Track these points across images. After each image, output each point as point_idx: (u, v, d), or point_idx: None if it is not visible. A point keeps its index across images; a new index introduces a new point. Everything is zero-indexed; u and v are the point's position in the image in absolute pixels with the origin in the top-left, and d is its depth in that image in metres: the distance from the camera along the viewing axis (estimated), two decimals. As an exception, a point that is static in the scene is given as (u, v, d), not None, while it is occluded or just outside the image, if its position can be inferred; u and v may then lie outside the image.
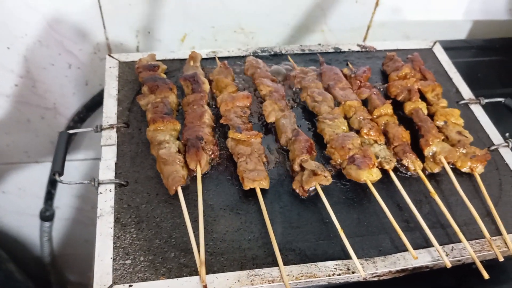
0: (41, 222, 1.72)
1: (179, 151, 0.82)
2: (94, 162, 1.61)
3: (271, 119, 0.89)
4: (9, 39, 1.22)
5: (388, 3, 1.34)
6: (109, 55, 0.99)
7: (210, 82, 0.96)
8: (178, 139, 0.86)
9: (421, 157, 0.88)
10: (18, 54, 1.26)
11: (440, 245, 0.76)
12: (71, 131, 0.86)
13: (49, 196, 1.65)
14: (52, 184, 1.61)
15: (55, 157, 0.80)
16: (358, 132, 0.89)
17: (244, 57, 1.04)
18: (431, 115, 0.95)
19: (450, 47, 1.25)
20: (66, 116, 1.45)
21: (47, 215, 1.69)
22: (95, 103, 1.40)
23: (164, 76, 0.95)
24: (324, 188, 0.81)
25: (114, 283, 0.68)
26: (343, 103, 0.93)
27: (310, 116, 0.95)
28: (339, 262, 0.74)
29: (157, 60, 0.98)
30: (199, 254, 0.70)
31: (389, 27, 1.42)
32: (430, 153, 0.87)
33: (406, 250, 0.76)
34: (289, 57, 1.04)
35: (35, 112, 1.42)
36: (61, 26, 1.22)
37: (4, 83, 1.32)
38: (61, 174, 0.79)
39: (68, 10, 1.18)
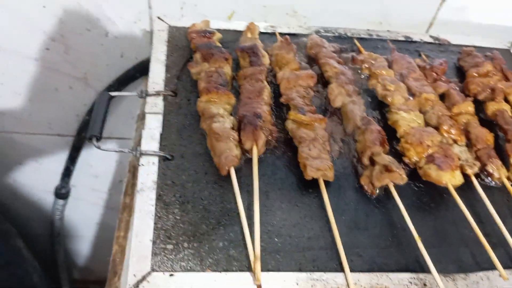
0: (55, 199, 1.64)
1: (233, 128, 0.72)
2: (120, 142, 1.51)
3: (337, 103, 0.79)
4: (46, -2, 1.13)
5: (454, 0, 1.23)
6: (159, 18, 0.89)
7: (269, 57, 0.85)
8: (231, 115, 0.75)
9: (505, 165, 0.77)
10: (54, 14, 1.17)
11: (530, 267, 0.65)
12: (112, 93, 0.76)
13: (67, 172, 1.57)
14: (71, 160, 1.53)
15: (93, 118, 0.70)
16: (436, 128, 0.78)
17: (305, 35, 0.93)
18: (515, 120, 0.83)
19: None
20: (96, 89, 1.36)
21: (62, 193, 1.61)
22: (128, 78, 1.31)
23: (219, 45, 0.84)
24: (396, 188, 0.70)
25: (153, 270, 0.57)
26: (418, 95, 0.82)
27: (378, 106, 0.84)
28: (414, 275, 0.62)
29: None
30: (253, 247, 0.60)
31: (452, 26, 1.30)
32: (517, 161, 0.76)
33: (489, 268, 0.65)
34: (355, 40, 0.94)
35: (64, 81, 1.33)
36: (103, -14, 1.13)
37: (35, 45, 1.23)
38: (99, 138, 0.69)
39: (114, -30, 1.09)
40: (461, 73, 0.94)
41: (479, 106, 0.86)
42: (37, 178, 1.65)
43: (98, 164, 1.59)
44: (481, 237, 0.65)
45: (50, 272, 1.80)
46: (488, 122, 0.84)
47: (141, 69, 1.27)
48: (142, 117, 0.89)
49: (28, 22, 1.18)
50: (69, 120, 1.44)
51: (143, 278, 0.56)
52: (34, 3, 1.14)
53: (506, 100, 0.87)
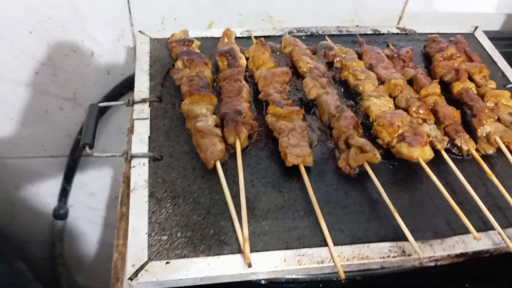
0: (54, 220, 1.67)
1: (216, 126, 0.77)
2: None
3: (312, 95, 0.84)
4: (32, 23, 1.18)
5: (421, -7, 1.30)
6: (140, 32, 0.95)
7: (246, 59, 0.91)
8: (214, 114, 0.80)
9: (473, 138, 0.82)
10: (40, 39, 1.22)
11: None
12: (101, 104, 0.80)
13: (64, 193, 1.60)
14: (67, 180, 1.57)
15: (85, 128, 0.75)
16: (405, 110, 0.83)
17: (279, 36, 0.99)
18: (480, 96, 0.89)
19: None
20: (85, 108, 1.40)
21: (60, 213, 1.64)
22: (116, 93, 1.36)
23: (198, 51, 0.90)
24: (372, 168, 0.75)
25: (150, 259, 0.62)
26: (387, 81, 0.87)
27: (351, 95, 0.89)
28: (393, 243, 0.67)
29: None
30: (241, 230, 0.64)
31: (421, 19, 1.37)
32: (484, 134, 0.81)
33: (464, 233, 0.69)
34: (326, 37, 1.00)
35: (54, 102, 1.38)
36: (86, 10, 1.18)
37: (25, 70, 1.28)
38: (91, 146, 0.74)
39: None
40: (428, 59, 1.00)
41: (446, 87, 0.92)
42: (34, 201, 1.68)
43: (94, 182, 1.63)
44: (454, 205, 0.70)
45: (54, 292, 1.82)
46: (455, 101, 0.90)
47: (128, 85, 1.32)
48: (131, 129, 0.94)
49: (16, 48, 1.23)
50: (62, 141, 1.48)
51: (141, 267, 0.61)
52: (21, 29, 1.19)
53: (471, 79, 0.93)
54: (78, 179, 1.59)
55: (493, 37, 1.30)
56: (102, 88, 1.37)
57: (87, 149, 0.73)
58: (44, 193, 1.63)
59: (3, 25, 1.17)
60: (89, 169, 1.58)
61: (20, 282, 1.50)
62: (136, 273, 0.60)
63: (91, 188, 1.66)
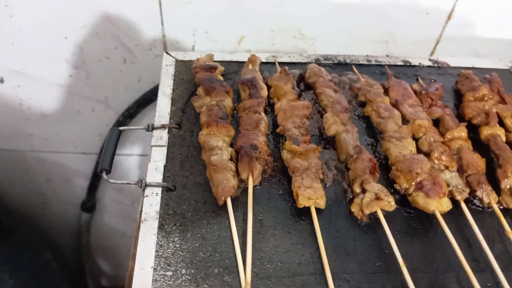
0: (81, 212, 1.73)
1: (231, 159, 0.77)
2: (140, 159, 1.59)
3: (331, 132, 0.83)
4: (67, 30, 1.22)
5: (461, 17, 1.25)
6: (166, 52, 0.95)
7: (269, 87, 0.90)
8: (231, 145, 0.81)
9: (497, 189, 0.79)
10: (75, 45, 1.26)
11: (514, 291, 0.67)
12: (122, 128, 0.82)
13: (92, 188, 1.66)
14: (96, 177, 1.62)
15: (104, 153, 0.77)
16: (427, 155, 0.81)
17: (305, 63, 0.98)
18: (510, 143, 0.85)
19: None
20: (116, 111, 1.44)
21: (88, 206, 1.71)
22: (146, 100, 1.38)
23: (221, 78, 0.90)
24: (386, 214, 0.74)
25: (153, 295, 0.63)
26: (411, 121, 0.85)
27: (373, 132, 0.87)
28: (399, 300, 0.66)
29: (214, 61, 0.94)
30: (245, 274, 0.65)
31: (459, 42, 1.32)
32: (508, 186, 0.78)
33: (474, 293, 0.67)
34: (353, 67, 0.97)
35: (86, 104, 1.42)
36: (119, 20, 1.20)
37: (59, 72, 1.32)
38: (108, 172, 0.76)
39: (128, 4, 1.17)
40: (459, 96, 0.96)
41: (476, 129, 0.89)
42: (64, 193, 1.75)
43: (122, 179, 1.67)
44: (464, 262, 0.68)
45: (78, 281, 1.89)
46: (483, 146, 0.87)
47: (157, 92, 1.34)
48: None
49: (51, 52, 1.27)
50: (93, 139, 1.53)
51: (144, 302, 0.62)
52: (57, 34, 1.23)
53: (503, 123, 0.89)
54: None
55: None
56: (132, 94, 1.40)
57: (104, 175, 0.75)
58: (74, 186, 1.70)
59: (39, 29, 1.21)
60: (117, 166, 1.63)
61: (45, 272, 1.57)
62: (138, 308, 0.62)
63: (119, 185, 1.70)
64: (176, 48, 1.28)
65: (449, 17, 1.25)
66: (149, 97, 1.37)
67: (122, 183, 0.75)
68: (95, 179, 1.64)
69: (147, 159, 0.82)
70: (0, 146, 1.54)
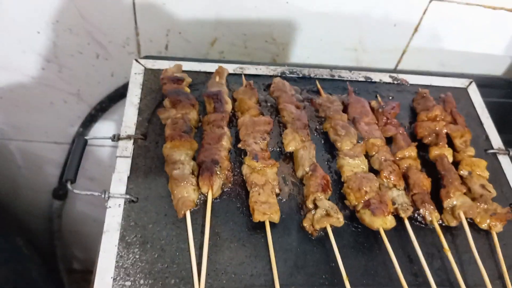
0: (53, 200, 1.75)
1: (192, 172, 0.81)
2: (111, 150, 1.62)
3: (290, 148, 0.87)
4: (40, 24, 1.22)
5: (427, 29, 1.29)
6: (136, 60, 0.97)
7: (234, 100, 0.94)
8: (194, 158, 0.84)
9: (440, 206, 0.85)
10: (48, 39, 1.26)
11: (447, 305, 0.74)
12: (87, 137, 0.85)
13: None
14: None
15: (69, 163, 0.80)
16: (378, 172, 0.86)
17: (271, 76, 1.01)
18: (457, 163, 0.91)
19: (486, 84, 1.21)
20: (89, 103, 1.46)
21: (60, 194, 1.73)
22: (118, 95, 1.40)
23: (188, 90, 0.93)
24: (335, 229, 0.79)
25: (112, 304, 0.67)
26: (366, 139, 0.90)
27: (331, 148, 0.92)
28: (340, 311, 0.72)
29: (183, 71, 0.96)
30: (199, 285, 0.69)
31: (425, 54, 1.37)
32: (450, 206, 0.84)
33: (411, 307, 0.74)
34: (317, 82, 1.01)
35: (59, 95, 1.43)
36: (93, 17, 1.21)
37: (31, 65, 1.33)
38: (73, 182, 0.79)
39: (101, 2, 1.17)
40: (415, 114, 1.01)
41: (427, 148, 0.94)
42: (36, 180, 1.76)
43: (93, 168, 1.70)
44: (401, 278, 0.74)
45: (49, 265, 1.92)
46: (432, 164, 0.92)
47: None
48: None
49: (24, 44, 1.27)
50: (65, 129, 1.54)
51: (103, 311, 0.67)
52: (29, 29, 1.23)
53: (452, 143, 0.95)
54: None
55: (494, 84, 1.30)
56: (105, 88, 1.41)
57: (69, 185, 0.78)
58: (46, 174, 1.72)
59: (12, 22, 1.21)
60: (89, 156, 1.65)
61: (16, 257, 1.59)
62: (97, 317, 0.66)
63: (91, 173, 1.73)
64: (149, 47, 1.30)
65: (415, 30, 1.30)
66: (121, 92, 1.39)
67: (86, 194, 0.78)
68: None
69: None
70: (-31, 134, 1.55)
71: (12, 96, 1.42)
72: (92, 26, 1.24)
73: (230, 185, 0.83)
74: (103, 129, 1.51)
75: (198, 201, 0.80)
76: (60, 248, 1.98)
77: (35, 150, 1.63)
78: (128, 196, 0.78)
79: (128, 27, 1.24)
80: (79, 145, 0.81)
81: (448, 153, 0.91)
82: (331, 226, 0.79)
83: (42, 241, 1.91)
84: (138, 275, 0.71)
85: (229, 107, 0.90)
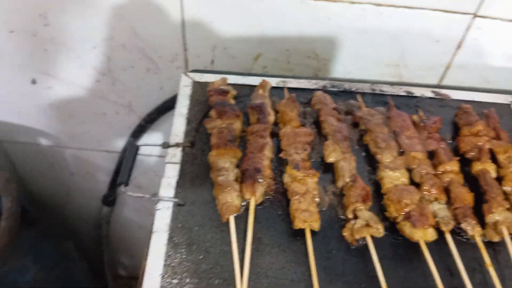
0: (102, 206, 1.84)
1: (236, 179, 0.85)
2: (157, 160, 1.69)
3: (330, 159, 0.90)
4: (96, 40, 1.31)
5: (471, 46, 1.29)
6: (185, 74, 1.03)
7: (276, 112, 0.97)
8: (238, 166, 0.88)
9: (482, 221, 0.85)
10: (103, 54, 1.35)
11: (488, 321, 0.73)
12: (140, 144, 0.91)
13: (114, 184, 1.76)
14: (117, 173, 1.70)
15: (123, 167, 0.86)
16: (419, 186, 0.87)
17: (313, 90, 1.05)
18: (500, 178, 0.90)
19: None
20: (139, 115, 1.54)
21: (109, 200, 1.81)
22: (166, 107, 1.47)
23: (233, 101, 0.97)
24: (375, 240, 0.81)
25: (159, 300, 0.72)
26: (407, 152, 0.91)
27: (371, 160, 0.94)
28: (379, 321, 0.73)
29: (228, 84, 1.01)
30: (241, 287, 0.73)
31: (469, 70, 1.36)
32: (492, 221, 0.84)
33: (451, 320, 0.74)
34: (357, 96, 1.04)
35: (111, 107, 1.52)
36: (145, 34, 1.29)
37: (87, 78, 1.42)
38: (126, 184, 0.85)
39: (153, 21, 1.25)
40: (457, 129, 1.01)
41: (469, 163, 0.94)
42: (87, 187, 1.86)
43: (141, 177, 1.77)
44: (442, 291, 0.74)
45: (96, 270, 2.00)
46: (475, 179, 0.92)
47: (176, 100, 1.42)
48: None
49: (81, 59, 1.37)
50: (116, 139, 1.63)
51: (151, 306, 0.71)
52: (86, 44, 1.32)
53: (495, 158, 0.94)
54: (127, 172, 1.73)
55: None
56: (154, 100, 1.49)
57: (122, 188, 0.84)
58: (97, 181, 1.81)
59: (72, 39, 1.31)
60: (138, 166, 1.72)
61: (66, 260, 1.67)
62: (146, 311, 0.71)
63: (138, 181, 1.81)
64: (196, 62, 1.36)
65: (459, 46, 1.29)
66: (169, 105, 1.46)
67: (138, 196, 0.84)
68: (117, 176, 1.73)
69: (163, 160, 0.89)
70: (29, 141, 1.66)
71: (69, 107, 1.53)
72: (144, 43, 1.32)
73: (272, 193, 0.86)
74: (151, 139, 1.59)
75: (241, 207, 0.83)
76: (107, 254, 2.06)
77: (88, 158, 1.73)
78: (176, 200, 0.83)
79: (177, 43, 1.31)
80: (132, 151, 0.88)
81: (491, 168, 0.90)
82: (371, 236, 0.80)
83: (91, 246, 2.00)
84: (184, 274, 0.75)
85: (271, 118, 0.94)
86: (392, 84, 1.10)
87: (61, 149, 1.70)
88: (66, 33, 1.30)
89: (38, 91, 1.47)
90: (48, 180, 1.84)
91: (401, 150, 0.93)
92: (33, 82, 1.44)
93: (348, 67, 1.36)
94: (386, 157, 0.89)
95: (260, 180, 0.83)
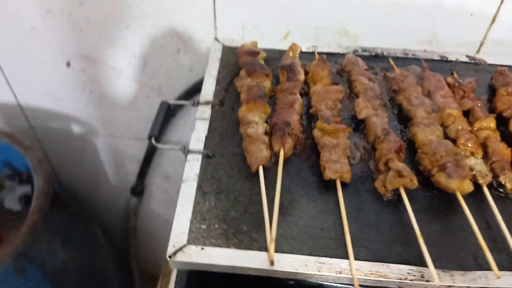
0: (131, 196, 1.85)
1: (265, 133, 0.84)
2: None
3: (362, 115, 0.88)
4: (129, 20, 1.34)
5: (505, 20, 1.25)
6: (215, 39, 1.04)
7: (306, 74, 0.97)
8: (266, 122, 0.88)
9: (523, 178, 0.81)
10: (135, 34, 1.38)
11: (530, 271, 0.69)
12: (171, 102, 0.92)
13: (142, 173, 1.77)
14: (146, 162, 1.72)
15: (154, 122, 0.86)
16: (454, 142, 0.84)
17: (344, 54, 1.04)
18: (540, 136, 0.87)
19: None
20: (168, 98, 1.54)
21: (137, 191, 1.82)
22: (195, 89, 1.48)
23: (263, 63, 0.98)
24: (408, 193, 0.78)
25: (188, 243, 0.71)
26: (441, 110, 0.88)
27: (403, 120, 0.92)
28: (414, 268, 0.70)
29: (258, 48, 1.02)
30: (270, 231, 0.71)
31: (504, 46, 1.32)
32: (532, 175, 0.80)
33: (489, 269, 0.70)
34: (390, 60, 1.02)
35: (142, 90, 1.54)
36: (176, 13, 1.31)
37: (119, 59, 1.45)
38: (157, 138, 0.85)
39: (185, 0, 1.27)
40: (493, 92, 0.98)
41: (506, 123, 0.91)
42: (116, 176, 1.88)
43: (169, 166, 1.78)
44: (481, 239, 0.71)
45: (123, 261, 2.01)
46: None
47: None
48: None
49: (113, 39, 1.40)
50: (145, 126, 1.63)
51: (180, 248, 0.70)
52: (120, 24, 1.35)
53: (534, 117, 0.90)
54: (156, 162, 1.74)
55: None
56: (184, 82, 1.50)
57: (153, 140, 0.85)
58: (126, 170, 1.83)
59: (104, 19, 1.35)
60: (166, 155, 1.74)
61: (94, 244, 1.69)
62: (175, 253, 0.70)
63: (166, 171, 1.82)
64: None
65: (493, 20, 1.26)
66: (199, 87, 1.47)
67: (168, 148, 0.84)
68: (146, 165, 1.74)
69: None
70: (60, 127, 1.69)
71: (100, 90, 1.56)
72: (174, 21, 1.34)
73: (301, 147, 0.85)
74: (177, 128, 1.60)
75: (270, 160, 0.82)
76: (134, 247, 2.07)
77: (117, 146, 1.75)
78: (205, 152, 0.83)
79: (208, 23, 1.33)
80: (162, 108, 0.88)
81: (530, 125, 0.87)
82: (404, 188, 0.77)
83: (118, 237, 2.01)
84: (213, 220, 0.74)
85: (301, 76, 0.93)
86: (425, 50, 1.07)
87: (93, 137, 1.73)
88: (98, 14, 1.34)
89: (71, 75, 1.50)
90: (78, 168, 1.86)
91: (436, 108, 0.90)
92: (68, 64, 1.48)
93: (378, 43, 1.34)
94: (420, 114, 0.87)
95: (289, 134, 0.82)
